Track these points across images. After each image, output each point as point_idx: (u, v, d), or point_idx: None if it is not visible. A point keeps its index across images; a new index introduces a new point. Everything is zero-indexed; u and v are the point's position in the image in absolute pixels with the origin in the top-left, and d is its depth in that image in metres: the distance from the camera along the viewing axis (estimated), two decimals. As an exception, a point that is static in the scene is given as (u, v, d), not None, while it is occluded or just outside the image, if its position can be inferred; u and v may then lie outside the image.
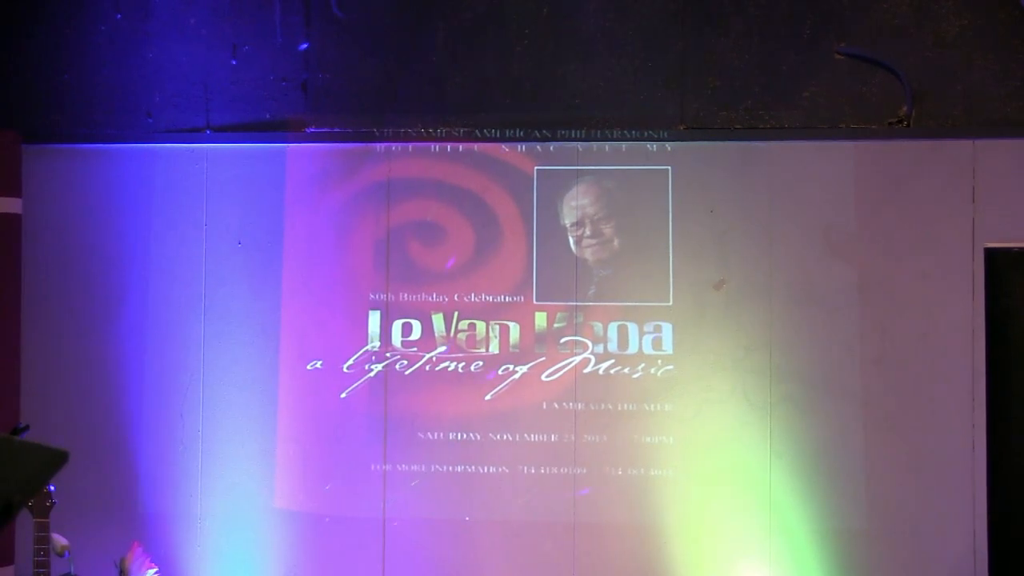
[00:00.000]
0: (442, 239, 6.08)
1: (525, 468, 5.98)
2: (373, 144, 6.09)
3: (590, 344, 5.96)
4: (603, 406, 5.96)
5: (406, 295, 6.07)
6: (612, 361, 5.95)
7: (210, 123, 6.19)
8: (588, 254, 5.99)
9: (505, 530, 5.97)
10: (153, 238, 6.16)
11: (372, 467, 6.03)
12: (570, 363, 5.98)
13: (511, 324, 6.00)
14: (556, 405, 5.98)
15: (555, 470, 5.96)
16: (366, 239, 6.09)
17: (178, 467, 6.08)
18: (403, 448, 6.02)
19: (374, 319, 6.06)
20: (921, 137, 5.87)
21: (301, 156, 6.13)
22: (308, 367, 6.07)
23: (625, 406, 5.95)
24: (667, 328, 5.92)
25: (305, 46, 6.17)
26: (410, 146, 6.08)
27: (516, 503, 5.97)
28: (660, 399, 5.92)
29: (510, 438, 5.99)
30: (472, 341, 6.02)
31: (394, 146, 6.09)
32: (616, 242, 5.98)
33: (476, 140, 6.06)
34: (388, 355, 6.05)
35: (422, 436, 6.02)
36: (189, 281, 6.12)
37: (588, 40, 6.06)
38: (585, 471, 5.95)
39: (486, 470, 5.99)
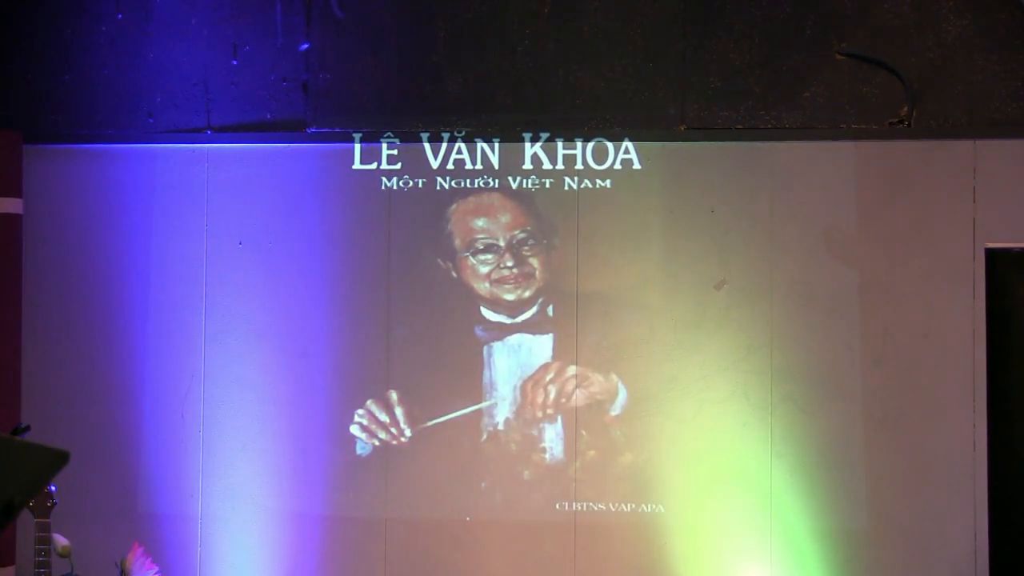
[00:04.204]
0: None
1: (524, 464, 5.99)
2: (373, 144, 6.09)
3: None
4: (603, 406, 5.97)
5: (406, 292, 6.07)
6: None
7: (211, 123, 6.20)
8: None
9: (505, 530, 5.97)
10: (154, 238, 6.16)
11: (372, 467, 6.03)
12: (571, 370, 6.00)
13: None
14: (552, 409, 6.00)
15: (554, 468, 5.97)
16: (367, 239, 6.09)
17: (179, 467, 6.08)
18: (405, 445, 6.03)
19: (375, 318, 6.06)
20: (922, 137, 5.87)
21: (302, 156, 6.13)
22: (309, 366, 6.07)
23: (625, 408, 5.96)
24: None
25: (306, 46, 6.17)
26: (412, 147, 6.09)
27: (516, 503, 5.97)
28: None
29: (515, 434, 6.00)
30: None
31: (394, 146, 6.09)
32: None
33: (476, 140, 6.06)
34: (387, 352, 6.05)
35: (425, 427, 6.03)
36: (190, 281, 6.12)
37: (589, 40, 6.06)
38: (584, 472, 5.95)
39: (487, 463, 5.99)
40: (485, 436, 6.02)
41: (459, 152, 6.07)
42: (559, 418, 5.99)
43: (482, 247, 6.09)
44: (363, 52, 6.16)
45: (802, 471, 5.83)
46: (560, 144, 6.04)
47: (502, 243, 6.08)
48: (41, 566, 4.93)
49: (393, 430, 6.05)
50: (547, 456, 5.99)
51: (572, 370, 6.00)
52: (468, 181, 6.07)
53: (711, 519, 5.86)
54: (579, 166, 6.02)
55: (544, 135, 6.03)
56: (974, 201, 5.83)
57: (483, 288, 6.07)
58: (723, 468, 5.87)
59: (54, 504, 4.99)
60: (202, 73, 6.21)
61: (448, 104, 6.10)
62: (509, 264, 6.07)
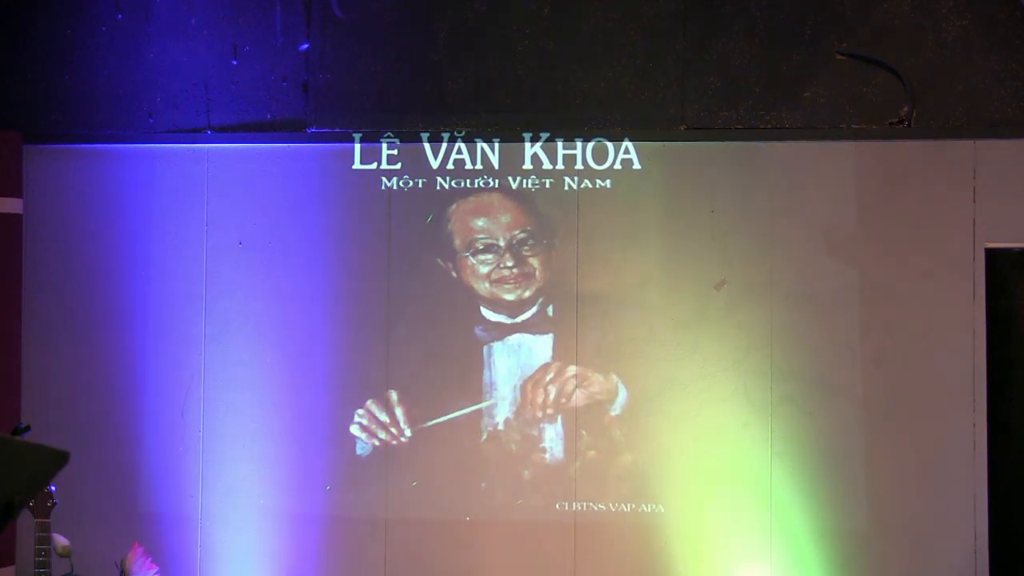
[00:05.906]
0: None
1: (524, 463, 5.99)
2: (373, 144, 6.10)
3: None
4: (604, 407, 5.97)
5: (406, 292, 6.07)
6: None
7: (211, 123, 6.20)
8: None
9: (505, 530, 5.97)
10: (154, 238, 6.16)
11: (372, 467, 6.04)
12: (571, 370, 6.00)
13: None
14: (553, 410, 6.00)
15: (554, 468, 5.97)
16: (367, 239, 6.09)
17: (179, 467, 6.08)
18: (405, 445, 6.03)
19: (375, 318, 6.06)
20: (922, 137, 5.87)
21: (302, 156, 6.13)
22: (309, 366, 6.07)
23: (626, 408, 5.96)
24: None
25: (306, 46, 6.17)
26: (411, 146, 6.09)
27: (516, 503, 5.98)
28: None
29: (515, 434, 6.00)
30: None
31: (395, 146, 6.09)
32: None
33: (476, 140, 6.06)
34: (387, 352, 6.06)
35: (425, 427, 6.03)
36: (190, 281, 6.12)
37: (589, 40, 6.06)
38: (584, 472, 5.95)
39: (487, 463, 6.00)
40: (485, 436, 6.03)
41: (459, 152, 6.07)
42: (559, 418, 5.99)
43: (482, 247, 6.09)
44: (363, 52, 6.16)
45: (802, 471, 5.83)
46: (560, 144, 6.04)
47: (502, 243, 6.09)
48: (41, 566, 4.93)
49: (393, 430, 6.05)
50: (547, 456, 5.99)
51: (572, 370, 6.00)
52: (468, 181, 6.07)
53: (711, 519, 5.86)
54: (579, 166, 6.03)
55: (544, 135, 6.03)
56: (974, 201, 5.83)
57: (483, 288, 6.07)
58: (723, 468, 5.87)
59: (54, 504, 4.99)
60: (202, 73, 6.21)
61: (448, 104, 6.11)
62: (509, 264, 6.07)
